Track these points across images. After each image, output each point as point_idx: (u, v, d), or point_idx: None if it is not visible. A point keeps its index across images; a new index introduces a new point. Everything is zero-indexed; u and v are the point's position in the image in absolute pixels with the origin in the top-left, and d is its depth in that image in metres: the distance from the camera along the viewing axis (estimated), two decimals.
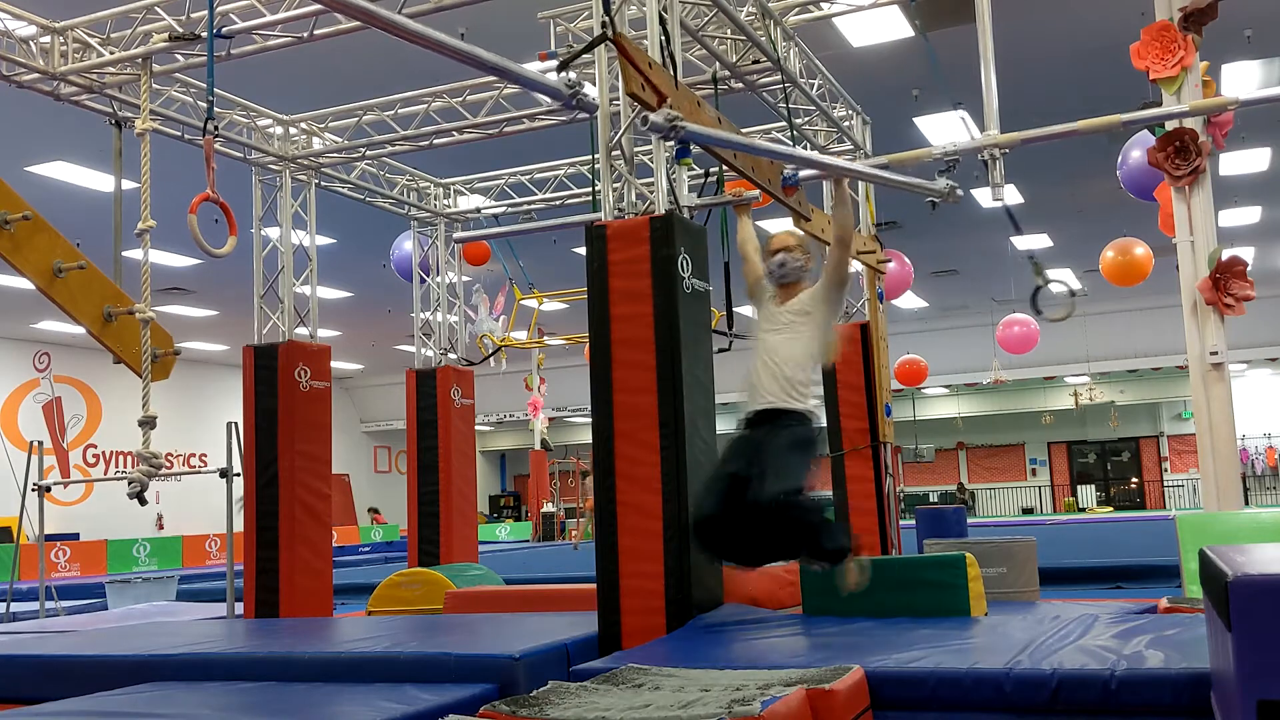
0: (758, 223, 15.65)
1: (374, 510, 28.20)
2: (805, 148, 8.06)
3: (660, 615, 4.62)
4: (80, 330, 6.88)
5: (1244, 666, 2.29)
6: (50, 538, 17.13)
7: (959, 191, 5.10)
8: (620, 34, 4.63)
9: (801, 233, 5.03)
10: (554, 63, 4.95)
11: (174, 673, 4.58)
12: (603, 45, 4.72)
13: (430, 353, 9.77)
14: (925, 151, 5.19)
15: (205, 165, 5.50)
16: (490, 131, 8.03)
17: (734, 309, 6.03)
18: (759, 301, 4.64)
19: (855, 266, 8.14)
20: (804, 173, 5.57)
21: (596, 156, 5.36)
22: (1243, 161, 13.22)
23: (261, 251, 8.16)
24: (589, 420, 6.54)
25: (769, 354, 4.40)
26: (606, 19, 4.48)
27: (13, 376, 21.21)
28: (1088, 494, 31.10)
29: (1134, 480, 31.12)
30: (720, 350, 5.87)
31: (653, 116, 4.19)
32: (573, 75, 5.17)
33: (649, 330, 4.79)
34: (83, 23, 6.56)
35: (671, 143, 5.00)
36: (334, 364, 9.75)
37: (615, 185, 5.12)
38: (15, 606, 9.34)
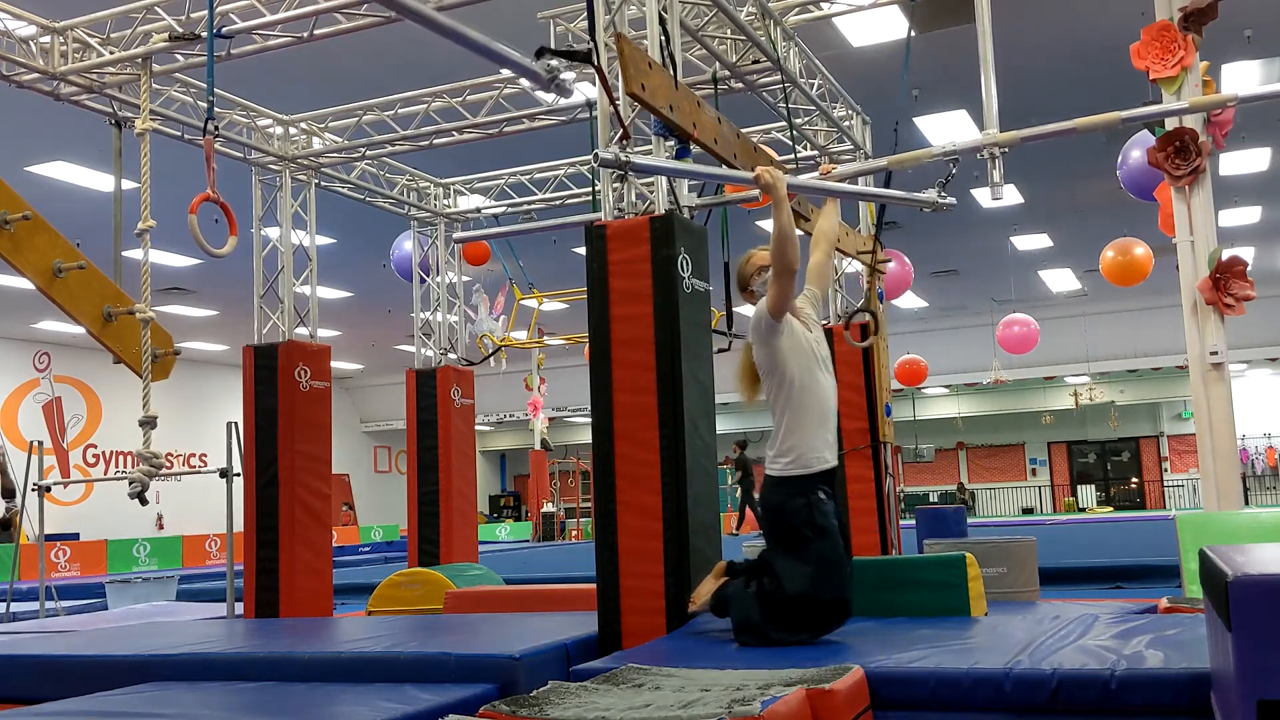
0: (759, 223, 15.53)
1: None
2: (805, 148, 8.07)
3: (660, 615, 4.61)
4: (80, 330, 6.88)
5: (1244, 666, 2.29)
6: (50, 538, 17.13)
7: (951, 201, 5.08)
8: (621, 35, 4.63)
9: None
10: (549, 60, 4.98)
11: (174, 673, 4.57)
12: (603, 43, 4.73)
13: (430, 353, 9.77)
14: (925, 152, 5.18)
15: (205, 165, 5.51)
16: (490, 131, 8.03)
17: (734, 309, 6.03)
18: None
19: (856, 266, 8.15)
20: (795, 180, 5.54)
21: None
22: (1243, 161, 13.23)
23: (261, 251, 8.16)
24: (589, 420, 6.54)
25: None
26: (592, 44, 4.52)
27: (13, 376, 21.22)
28: (1088, 494, 31.12)
29: (1134, 480, 31.14)
30: (720, 350, 5.87)
31: (602, 153, 4.24)
32: (554, 62, 5.19)
33: (649, 330, 4.79)
34: (83, 23, 6.56)
35: (672, 143, 5.01)
36: (334, 364, 9.74)
37: (615, 185, 5.12)
38: (15, 606, 9.33)
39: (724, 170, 5.16)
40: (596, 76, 4.51)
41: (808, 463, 4.10)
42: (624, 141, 4.70)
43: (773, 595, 4.03)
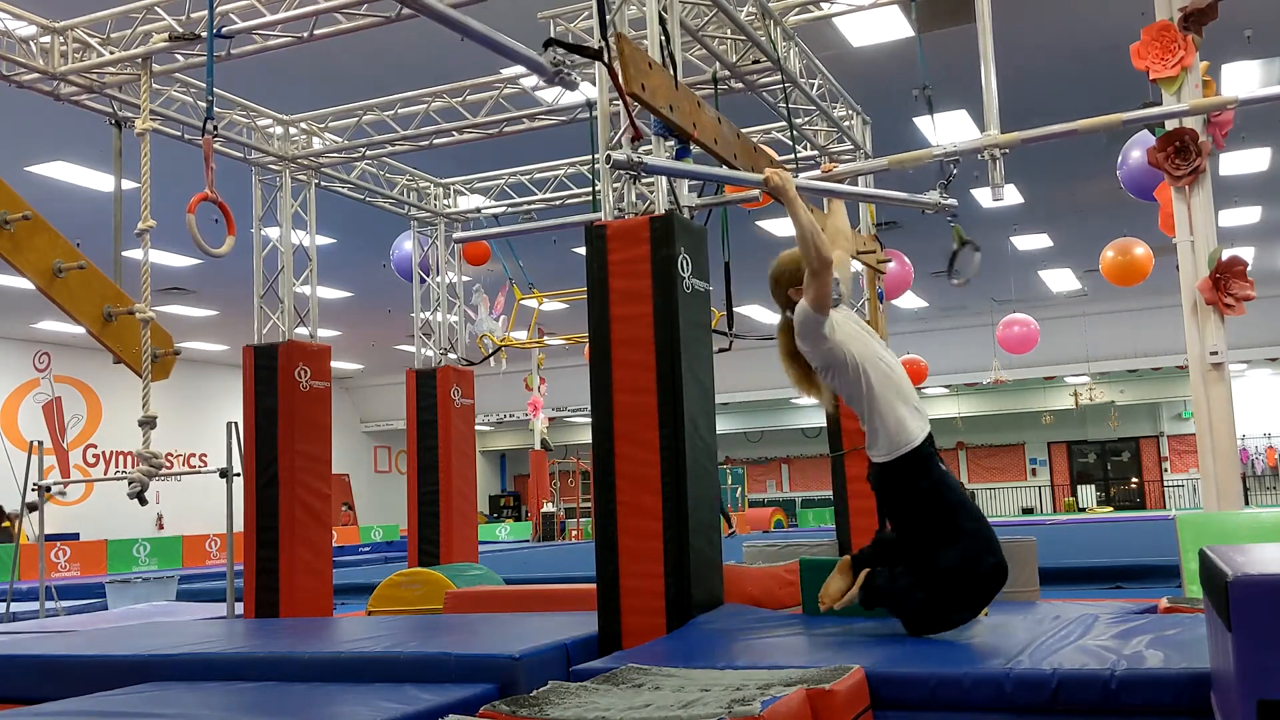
0: (759, 223, 15.53)
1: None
2: (805, 148, 8.07)
3: (660, 615, 4.62)
4: (80, 330, 6.88)
5: (1244, 666, 2.29)
6: (50, 538, 17.14)
7: (953, 203, 5.08)
8: (622, 35, 4.63)
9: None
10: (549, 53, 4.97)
11: (174, 673, 4.57)
12: (604, 40, 4.72)
13: (430, 353, 9.77)
14: (926, 152, 5.18)
15: (204, 165, 5.51)
16: (490, 131, 8.03)
17: (734, 309, 6.03)
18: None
19: (856, 266, 8.14)
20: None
21: (596, 156, 5.36)
22: (1243, 161, 13.23)
23: (261, 251, 8.16)
24: (589, 420, 6.54)
25: None
26: (603, 43, 4.52)
27: (13, 376, 21.22)
28: (1088, 494, 31.11)
29: (1134, 480, 31.13)
30: (720, 350, 5.87)
31: (615, 155, 4.26)
32: (559, 53, 5.19)
33: (649, 330, 4.79)
34: (83, 23, 6.56)
35: (672, 143, 5.01)
36: (334, 364, 9.74)
37: (615, 185, 5.12)
38: (15, 606, 9.34)
39: (735, 172, 5.15)
40: (607, 74, 4.52)
41: (906, 440, 4.12)
42: (635, 141, 4.70)
43: (932, 580, 4.01)
